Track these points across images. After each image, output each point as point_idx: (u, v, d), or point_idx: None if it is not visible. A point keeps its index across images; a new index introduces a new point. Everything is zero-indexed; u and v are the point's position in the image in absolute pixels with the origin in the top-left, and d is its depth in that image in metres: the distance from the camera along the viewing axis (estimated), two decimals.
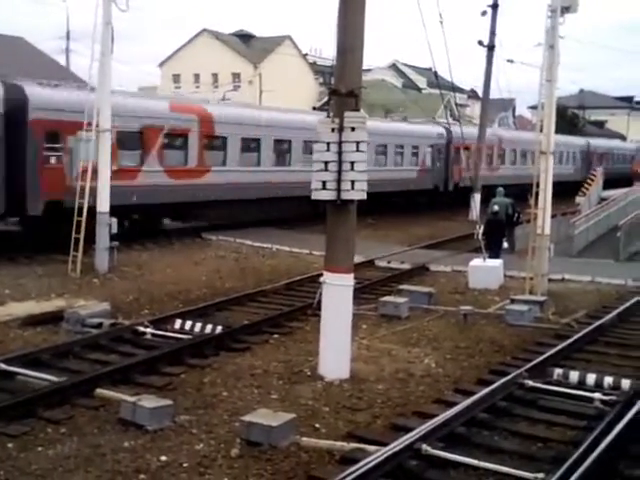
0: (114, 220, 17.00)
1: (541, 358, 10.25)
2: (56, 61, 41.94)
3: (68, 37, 49.16)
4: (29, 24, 75.25)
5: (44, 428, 7.75)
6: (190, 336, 11.37)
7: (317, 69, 67.58)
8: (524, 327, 12.80)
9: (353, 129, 9.33)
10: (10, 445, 7.29)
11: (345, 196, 9.40)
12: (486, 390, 8.75)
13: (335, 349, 9.76)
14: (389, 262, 19.13)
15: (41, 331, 11.64)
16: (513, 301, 13.95)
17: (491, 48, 32.20)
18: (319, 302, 10.26)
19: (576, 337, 11.60)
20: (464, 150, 34.82)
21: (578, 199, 31.87)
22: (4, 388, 8.83)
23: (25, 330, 11.61)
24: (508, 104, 70.98)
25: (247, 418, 7.57)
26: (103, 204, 16.71)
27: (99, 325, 11.70)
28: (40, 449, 7.25)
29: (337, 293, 9.79)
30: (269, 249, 20.82)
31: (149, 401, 7.98)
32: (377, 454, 6.75)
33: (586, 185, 34.78)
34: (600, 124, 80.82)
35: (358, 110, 9.57)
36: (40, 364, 9.72)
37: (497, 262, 16.91)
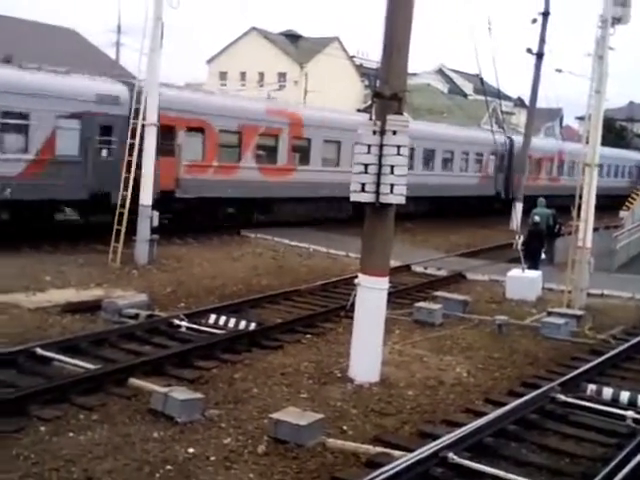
0: (155, 213, 17.28)
1: (575, 373, 10.12)
2: (107, 55, 42.63)
3: (119, 31, 49.90)
4: (82, 17, 76.61)
5: (76, 414, 7.91)
6: (224, 331, 11.48)
7: (363, 71, 67.48)
8: (560, 341, 12.64)
9: (395, 132, 9.30)
10: (42, 429, 7.45)
11: (384, 199, 9.37)
12: (517, 402, 8.67)
13: (366, 352, 9.76)
14: (426, 268, 19.05)
15: (79, 319, 11.86)
16: (550, 314, 13.78)
17: (540, 56, 31.82)
18: (353, 304, 10.27)
19: (612, 353, 11.43)
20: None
21: (622, 213, 31.34)
22: (40, 373, 9.03)
23: (64, 317, 11.85)
24: (555, 114, 70.02)
25: (276, 416, 7.62)
26: (145, 197, 16.96)
27: (136, 316, 11.87)
28: (71, 434, 7.40)
29: (371, 296, 9.79)
30: (306, 249, 20.89)
31: (180, 393, 8.09)
32: (403, 459, 6.74)
33: (630, 199, 34.17)
34: None
35: (401, 114, 9.54)
36: (76, 351, 9.90)
37: (536, 273, 16.72)
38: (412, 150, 26.77)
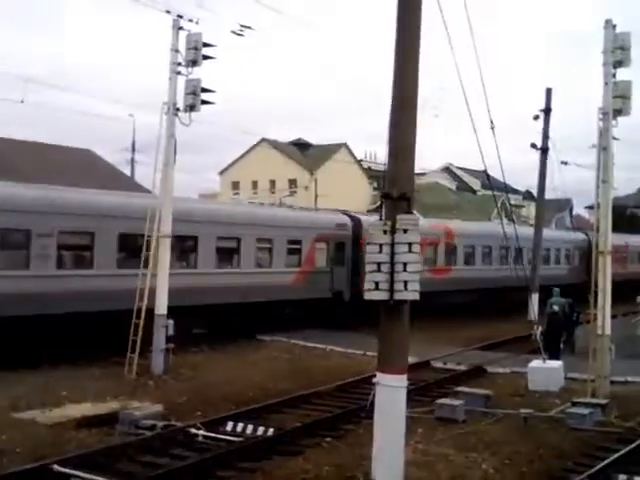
0: (171, 322, 17.30)
1: (604, 463, 9.83)
2: (122, 172, 43.89)
3: (134, 149, 51.52)
4: (96, 137, 79.41)
5: None
6: (241, 438, 11.29)
7: (371, 174, 68.91)
8: (586, 431, 12.32)
9: (405, 231, 9.45)
10: None
11: (398, 296, 9.41)
12: None
13: (389, 453, 9.51)
14: (445, 363, 18.83)
15: (96, 432, 11.73)
16: (574, 404, 13.48)
17: (544, 151, 32.42)
18: (372, 404, 10.11)
19: None
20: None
21: (639, 298, 31.01)
22: None
23: (80, 432, 11.71)
24: (565, 204, 70.61)
25: None
26: (161, 306, 17.06)
27: (152, 427, 11.73)
28: None
29: (390, 394, 9.63)
30: (323, 349, 20.73)
31: None
32: None
33: None
34: None
35: (411, 213, 9.73)
36: (94, 466, 9.75)
37: (557, 363, 16.49)
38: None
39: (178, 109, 17.37)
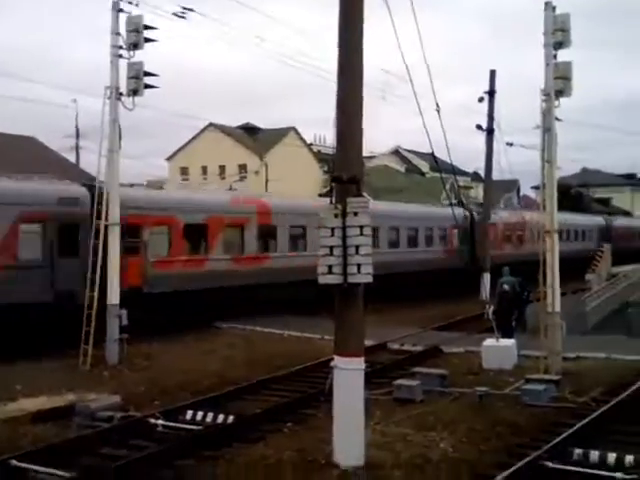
0: (124, 312, 17.07)
1: (560, 438, 10.06)
2: (66, 158, 42.96)
3: (77, 135, 50.43)
4: (39, 124, 77.51)
5: None
6: (201, 427, 11.23)
7: (321, 157, 68.85)
8: (541, 407, 12.58)
9: (356, 214, 9.48)
10: None
11: (352, 280, 9.46)
12: (505, 474, 8.56)
13: (349, 436, 9.59)
14: (402, 345, 19.01)
15: (52, 426, 11.52)
16: (528, 381, 13.75)
17: (490, 132, 32.89)
18: (330, 388, 10.16)
19: (594, 415, 11.41)
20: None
21: (588, 276, 31.84)
22: None
23: (36, 425, 11.50)
24: (512, 185, 71.78)
25: None
26: (113, 296, 16.81)
27: (110, 418, 11.58)
28: None
29: (348, 378, 9.70)
30: (280, 335, 20.72)
31: None
32: None
33: (595, 262, 34.80)
34: (605, 201, 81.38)
35: (361, 195, 9.77)
36: (52, 460, 9.56)
37: (510, 342, 16.77)
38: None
39: (121, 94, 17.03)
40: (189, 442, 10.37)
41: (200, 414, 11.82)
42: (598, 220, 53.77)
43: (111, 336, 16.72)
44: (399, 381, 13.69)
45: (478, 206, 37.51)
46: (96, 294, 16.43)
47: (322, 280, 9.63)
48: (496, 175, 34.63)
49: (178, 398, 13.34)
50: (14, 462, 9.15)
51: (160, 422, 11.35)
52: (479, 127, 33.08)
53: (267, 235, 25.51)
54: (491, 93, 32.69)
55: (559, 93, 16.15)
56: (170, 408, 12.22)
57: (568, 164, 49.07)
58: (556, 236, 16.18)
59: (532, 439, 10.71)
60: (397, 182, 60.55)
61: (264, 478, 9.09)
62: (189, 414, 11.89)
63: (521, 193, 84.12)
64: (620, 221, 57.75)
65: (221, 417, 11.60)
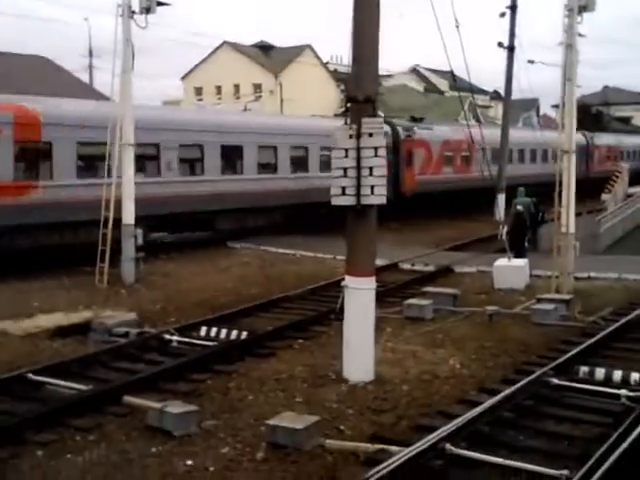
0: (139, 231, 17.23)
1: (567, 356, 10.18)
2: (79, 79, 42.53)
3: (91, 55, 49.81)
4: (52, 44, 76.49)
5: (73, 436, 7.88)
6: (215, 343, 11.48)
7: (338, 77, 67.65)
8: (550, 326, 12.72)
9: (371, 135, 9.40)
10: (40, 453, 7.43)
11: (365, 201, 9.46)
12: (511, 389, 8.72)
13: (359, 352, 9.78)
14: (413, 265, 19.12)
15: (69, 342, 11.82)
16: (539, 300, 13.86)
17: (511, 49, 32.10)
18: (342, 306, 10.30)
19: (602, 334, 11.52)
20: None
21: (604, 196, 31.56)
22: (34, 398, 9.00)
23: (54, 341, 11.81)
24: (531, 104, 70.39)
25: (272, 421, 7.64)
26: (128, 216, 16.93)
27: (126, 334, 11.85)
28: (69, 456, 7.38)
29: (359, 297, 9.83)
30: (293, 255, 20.90)
31: (175, 407, 8.08)
32: (401, 454, 6.76)
33: (611, 182, 34.41)
34: (626, 120, 79.79)
35: (375, 116, 9.66)
36: (69, 374, 9.86)
37: (522, 262, 16.81)
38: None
39: (134, 12, 16.69)
40: (203, 357, 10.61)
41: (214, 330, 12.06)
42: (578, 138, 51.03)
43: (127, 255, 16.93)
44: (410, 300, 13.85)
45: (496, 125, 36.74)
46: (111, 214, 16.53)
47: (335, 202, 9.65)
48: (516, 94, 34.04)
49: (193, 315, 13.60)
50: (31, 376, 9.41)
51: (175, 338, 11.60)
52: (500, 44, 32.28)
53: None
54: (513, 8, 31.76)
55: (582, 8, 15.69)
56: (185, 324, 12.48)
57: (589, 82, 47.92)
58: (574, 156, 15.98)
59: (540, 357, 10.86)
60: (415, 102, 59.63)
61: (275, 391, 9.32)
62: (203, 330, 12.13)
63: (541, 112, 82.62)
64: (603, 139, 50.61)
65: (235, 333, 11.83)
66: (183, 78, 69.60)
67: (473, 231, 26.32)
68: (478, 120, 39.81)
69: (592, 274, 17.09)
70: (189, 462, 7.16)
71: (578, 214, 17.41)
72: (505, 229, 17.94)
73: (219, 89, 64.90)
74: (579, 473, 6.34)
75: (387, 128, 30.61)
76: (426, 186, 31.10)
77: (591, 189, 31.83)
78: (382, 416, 8.47)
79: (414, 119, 33.57)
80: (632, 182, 39.03)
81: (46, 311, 13.58)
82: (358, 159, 9.39)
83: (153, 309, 14.14)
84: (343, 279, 10.15)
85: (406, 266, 19.04)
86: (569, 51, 15.65)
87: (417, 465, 6.75)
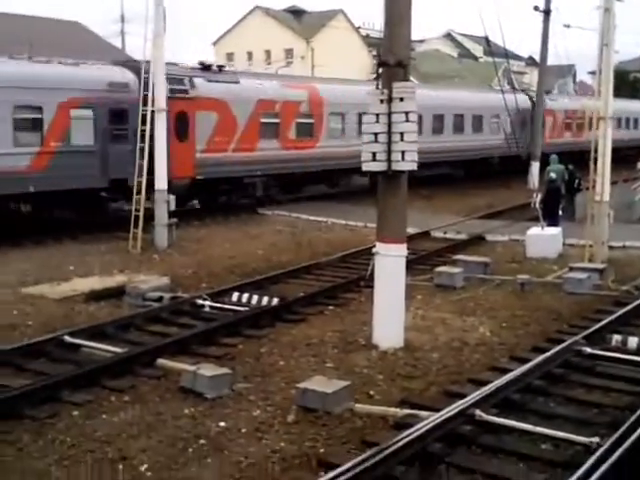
0: (172, 197, 17.37)
1: (599, 325, 10.12)
2: (111, 44, 42.61)
3: (123, 20, 49.94)
4: (84, 9, 76.56)
5: (108, 397, 8.06)
6: (247, 308, 11.60)
7: (370, 42, 66.94)
8: (583, 295, 12.62)
9: (402, 99, 9.32)
10: (75, 413, 7.61)
11: (396, 167, 9.41)
12: (542, 357, 8.70)
13: (389, 318, 9.81)
14: (445, 233, 19.03)
15: (104, 305, 12.04)
16: (572, 269, 13.74)
17: (547, 13, 31.45)
18: (372, 273, 10.32)
19: (636, 304, 11.40)
20: None
21: (639, 165, 30.97)
22: (70, 359, 9.20)
23: (89, 304, 12.03)
24: (567, 70, 69.12)
25: (303, 385, 7.73)
26: (161, 182, 17.07)
27: (159, 299, 12.01)
28: (104, 416, 7.55)
29: (390, 263, 9.83)
30: (325, 223, 20.93)
31: (208, 370, 8.21)
32: (430, 419, 6.82)
33: None
34: None
35: (407, 80, 9.56)
36: (104, 336, 10.06)
37: (556, 230, 16.65)
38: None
39: None
40: (235, 322, 10.74)
41: (245, 296, 12.17)
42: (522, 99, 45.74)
43: (159, 221, 17.10)
44: (440, 268, 13.82)
45: (531, 92, 36.13)
46: (144, 179, 16.68)
47: (366, 167, 9.62)
48: (552, 60, 33.40)
49: (225, 281, 13.74)
50: (68, 338, 9.61)
51: (207, 303, 11.74)
52: (536, 8, 31.61)
53: None
54: None
55: None
56: (217, 290, 12.61)
57: (629, 48, 46.68)
58: (610, 123, 15.69)
59: (572, 325, 10.81)
60: (448, 67, 58.83)
61: (306, 356, 9.41)
62: (235, 296, 12.25)
63: (577, 79, 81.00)
64: (560, 102, 39.98)
65: (266, 299, 11.93)
66: (214, 43, 69.42)
67: (506, 199, 26.06)
68: (513, 87, 39.27)
69: (627, 243, 16.86)
70: (222, 424, 7.29)
71: (613, 182, 17.15)
72: (538, 197, 17.76)
73: (250, 55, 64.66)
74: (609, 440, 6.33)
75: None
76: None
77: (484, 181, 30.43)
78: (412, 382, 8.52)
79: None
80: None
81: (81, 275, 13.83)
82: (389, 124, 9.33)
83: (185, 274, 14.30)
84: (374, 246, 10.16)
85: (438, 234, 18.96)
86: (607, 15, 15.31)
87: (447, 431, 6.79)
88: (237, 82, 22.71)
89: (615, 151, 15.72)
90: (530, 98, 35.08)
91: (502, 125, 32.19)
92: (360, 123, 21.19)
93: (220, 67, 23.30)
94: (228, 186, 22.55)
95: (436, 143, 28.23)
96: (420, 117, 23.57)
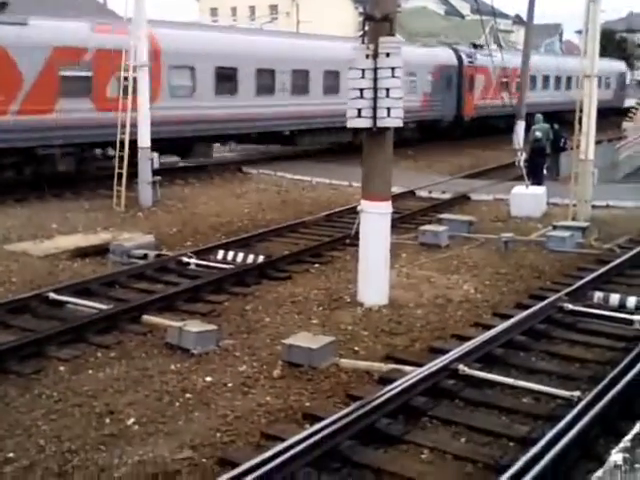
0: (155, 155, 17.22)
1: (581, 282, 10.24)
2: None
3: None
4: None
5: (94, 353, 8.09)
6: (232, 266, 11.61)
7: None
8: (566, 253, 12.73)
9: (388, 55, 9.23)
10: (62, 368, 7.64)
11: (381, 123, 9.35)
12: (524, 313, 8.82)
13: (373, 276, 9.86)
14: (430, 192, 19.04)
15: (89, 262, 12.00)
16: (555, 227, 13.84)
17: None
18: (357, 232, 10.34)
19: (618, 262, 11.54)
20: None
21: (625, 124, 31.07)
22: (55, 316, 9.20)
23: (73, 262, 11.98)
24: (554, 30, 68.75)
25: (288, 341, 7.80)
26: (144, 139, 16.88)
27: (144, 256, 12.00)
28: (91, 372, 7.59)
29: (374, 221, 9.84)
30: (309, 182, 20.86)
31: (194, 326, 8.26)
32: (414, 374, 6.91)
33: (633, 110, 33.77)
34: None
35: (393, 35, 9.46)
36: (89, 293, 10.06)
37: (540, 189, 16.71)
38: None
39: None
40: (221, 279, 10.75)
41: (231, 254, 12.17)
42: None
43: (143, 178, 16.96)
44: (425, 226, 13.86)
45: (517, 51, 35.41)
46: (127, 137, 16.48)
47: (351, 124, 9.56)
48: (539, 19, 33.13)
49: (210, 239, 13.73)
50: (52, 295, 9.59)
51: (193, 261, 11.73)
52: None
53: None
54: None
55: None
56: (202, 248, 12.60)
57: (614, 8, 46.41)
58: (595, 81, 15.66)
59: (554, 283, 10.92)
60: (435, 25, 58.23)
61: (291, 313, 9.47)
62: (220, 254, 12.25)
63: (564, 38, 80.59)
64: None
65: (251, 257, 11.94)
66: None
67: (492, 159, 26.09)
68: (500, 45, 38.89)
69: (610, 202, 16.96)
70: (208, 379, 7.35)
71: (598, 142, 17.18)
72: (523, 156, 17.78)
73: (234, 10, 63.67)
74: (590, 395, 6.45)
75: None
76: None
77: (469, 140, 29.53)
78: (396, 338, 8.60)
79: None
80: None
81: (65, 233, 13.75)
82: (375, 80, 9.25)
83: (170, 232, 14.26)
84: (358, 205, 10.15)
85: (422, 193, 18.98)
86: None
87: (431, 385, 6.89)
88: (24, 24, 17.04)
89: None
90: (456, 53, 31.71)
91: (418, 86, 28.85)
92: (218, 79, 20.62)
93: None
94: (15, 159, 17.39)
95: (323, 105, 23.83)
96: (272, 73, 21.97)
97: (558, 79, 38.52)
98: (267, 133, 23.73)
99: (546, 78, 37.40)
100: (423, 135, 29.67)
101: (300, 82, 24.07)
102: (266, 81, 22.93)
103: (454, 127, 31.33)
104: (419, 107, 28.51)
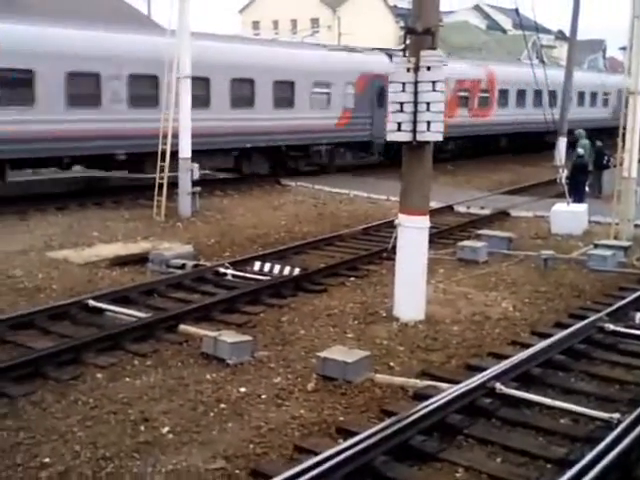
0: (195, 166, 17.39)
1: (623, 302, 10.05)
2: (137, 9, 42.37)
3: None
4: None
5: (131, 361, 8.16)
6: (269, 277, 11.64)
7: (397, 12, 66.15)
8: (607, 272, 12.50)
9: (429, 68, 9.19)
10: (99, 375, 7.72)
11: (421, 137, 9.31)
12: (564, 333, 8.67)
13: (410, 291, 9.79)
14: (468, 207, 18.91)
15: (128, 271, 12.15)
16: (596, 246, 13.61)
17: None
18: (394, 245, 10.29)
19: None
20: None
21: None
22: (93, 323, 9.32)
23: (113, 270, 12.14)
24: (597, 46, 67.97)
25: (323, 354, 7.77)
26: (185, 150, 17.07)
27: (182, 266, 12.09)
28: (127, 379, 7.65)
29: (412, 235, 9.78)
30: (346, 195, 20.87)
31: (230, 336, 8.28)
32: (450, 391, 6.83)
33: None
34: None
35: (435, 49, 9.42)
36: (127, 301, 10.16)
37: (581, 207, 16.47)
38: None
39: None
40: (257, 291, 10.79)
41: (267, 266, 12.21)
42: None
43: (183, 189, 17.14)
44: (463, 242, 13.74)
45: (560, 66, 35.12)
46: (168, 147, 16.69)
47: (391, 137, 9.53)
48: (582, 35, 32.72)
49: (247, 250, 13.79)
50: (92, 302, 9.72)
51: (230, 271, 11.80)
52: None
53: None
54: None
55: None
56: (239, 259, 12.67)
57: None
58: (639, 98, 15.41)
59: (595, 302, 10.73)
60: (476, 39, 58.05)
61: (326, 326, 9.44)
62: (257, 265, 12.30)
63: (607, 55, 79.58)
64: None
65: (287, 269, 11.97)
66: (241, 11, 69.00)
67: (532, 176, 25.80)
68: (542, 61, 38.57)
69: None
70: (242, 389, 7.35)
71: None
72: (565, 173, 17.55)
73: (276, 24, 64.22)
74: (631, 417, 6.30)
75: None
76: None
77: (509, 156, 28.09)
78: (432, 355, 8.52)
79: None
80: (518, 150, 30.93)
81: (105, 241, 13.95)
82: (415, 93, 9.22)
83: (208, 243, 14.37)
84: (396, 219, 10.10)
85: (461, 209, 18.84)
86: None
87: (467, 403, 6.80)
88: None
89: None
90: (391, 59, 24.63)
91: (336, 99, 24.16)
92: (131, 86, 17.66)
93: None
94: None
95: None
96: (208, 82, 18.67)
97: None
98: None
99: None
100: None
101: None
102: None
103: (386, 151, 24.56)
104: (331, 126, 23.78)
